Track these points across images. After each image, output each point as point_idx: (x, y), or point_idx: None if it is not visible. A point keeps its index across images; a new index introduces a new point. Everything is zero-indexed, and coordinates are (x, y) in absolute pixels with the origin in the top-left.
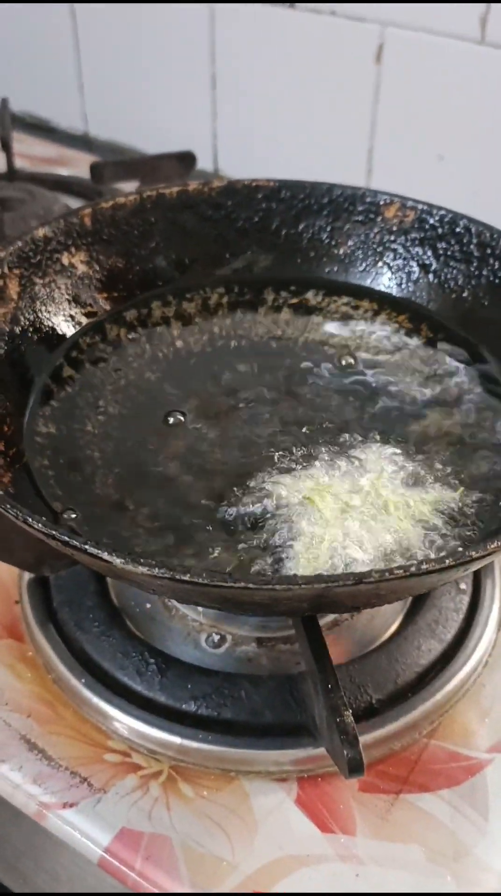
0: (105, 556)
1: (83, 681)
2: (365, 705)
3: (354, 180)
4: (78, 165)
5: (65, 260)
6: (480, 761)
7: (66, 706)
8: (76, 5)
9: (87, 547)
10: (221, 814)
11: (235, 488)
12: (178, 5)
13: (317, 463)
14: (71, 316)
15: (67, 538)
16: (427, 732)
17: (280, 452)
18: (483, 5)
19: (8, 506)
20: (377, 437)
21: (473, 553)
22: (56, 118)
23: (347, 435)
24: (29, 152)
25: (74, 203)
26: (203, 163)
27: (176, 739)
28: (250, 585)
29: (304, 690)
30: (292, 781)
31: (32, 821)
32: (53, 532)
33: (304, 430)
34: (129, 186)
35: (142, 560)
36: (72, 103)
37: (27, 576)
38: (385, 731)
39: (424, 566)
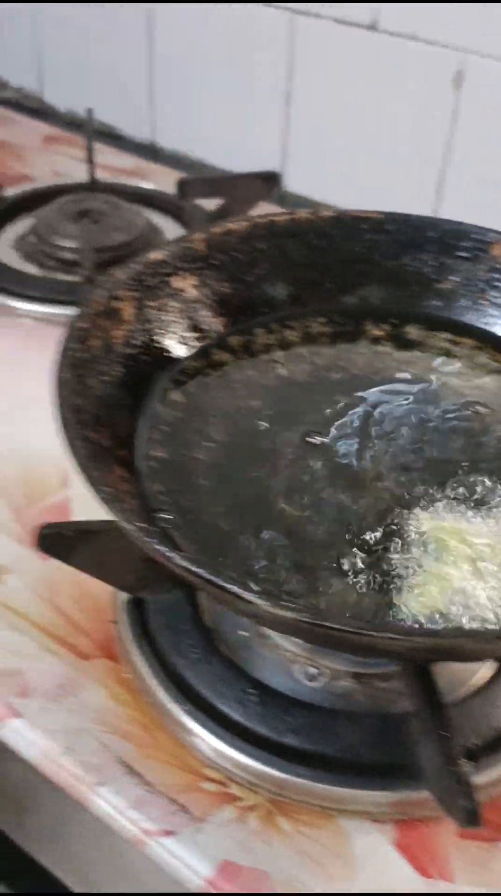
0: (248, 597)
1: (183, 707)
2: (462, 750)
3: (424, 207)
4: (154, 177)
5: (176, 284)
6: None
7: (162, 731)
8: (155, 11)
9: (230, 587)
10: (320, 852)
11: (351, 523)
12: (259, 20)
13: (445, 503)
14: (181, 339)
15: (211, 578)
16: None
17: (405, 491)
18: None
19: (153, 542)
20: None
21: None
22: (125, 127)
23: (477, 477)
24: (106, 162)
25: (155, 216)
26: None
27: (275, 772)
28: (393, 636)
29: (405, 731)
30: (389, 823)
31: (130, 845)
32: (198, 571)
33: (425, 468)
34: (211, 204)
35: (285, 604)
36: (141, 113)
37: (122, 595)
38: (486, 778)
39: None
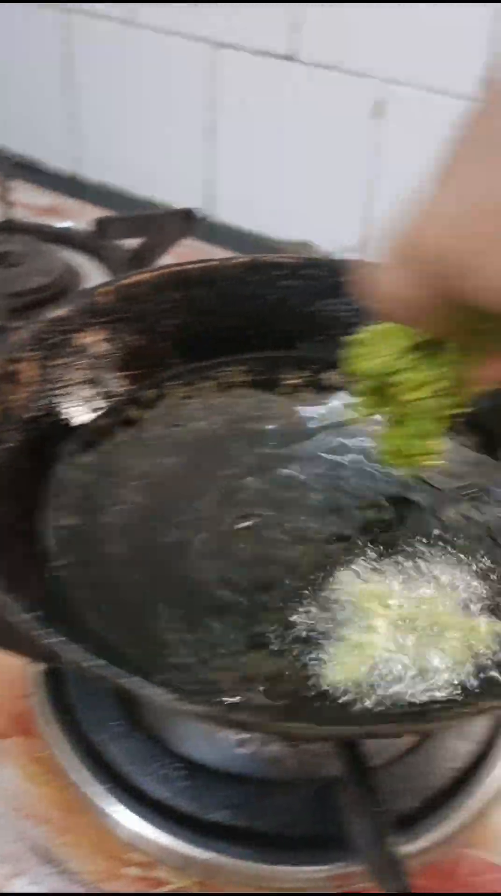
0: (148, 691)
1: (103, 786)
2: (397, 815)
3: (351, 233)
4: (72, 215)
5: (82, 340)
6: None
7: (82, 812)
8: (74, 46)
9: (129, 685)
10: None
11: (271, 588)
12: (177, 52)
13: (371, 565)
14: (88, 398)
15: (107, 675)
16: (464, 841)
17: (329, 551)
18: (482, 65)
19: (42, 635)
20: (441, 544)
21: None
22: (46, 158)
23: (406, 536)
24: (24, 201)
25: (76, 258)
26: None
27: (203, 853)
28: (312, 730)
29: (336, 800)
30: None
31: None
32: (104, 674)
33: (345, 527)
34: (132, 242)
35: (191, 700)
36: (64, 145)
37: (39, 666)
38: (421, 844)
39: (493, 704)
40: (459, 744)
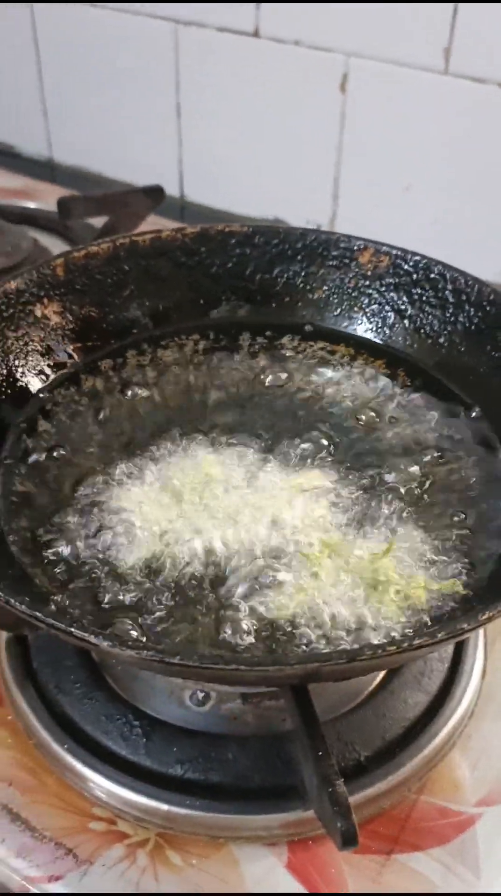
0: (91, 639)
1: (65, 746)
2: (353, 763)
3: (320, 209)
4: (44, 197)
5: (38, 311)
6: (470, 816)
7: (48, 773)
8: (38, 29)
9: (72, 630)
10: (211, 882)
11: (217, 537)
12: (142, 32)
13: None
14: (44, 368)
15: (51, 621)
16: (416, 788)
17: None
18: (445, 37)
19: None
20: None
21: (465, 625)
22: (20, 144)
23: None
24: None
25: (42, 237)
26: (170, 189)
27: (163, 806)
28: (242, 668)
29: (292, 752)
30: (281, 845)
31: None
32: (36, 615)
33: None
34: (97, 222)
35: (129, 643)
36: (36, 128)
37: (4, 634)
38: (375, 790)
39: (417, 641)
40: (411, 695)
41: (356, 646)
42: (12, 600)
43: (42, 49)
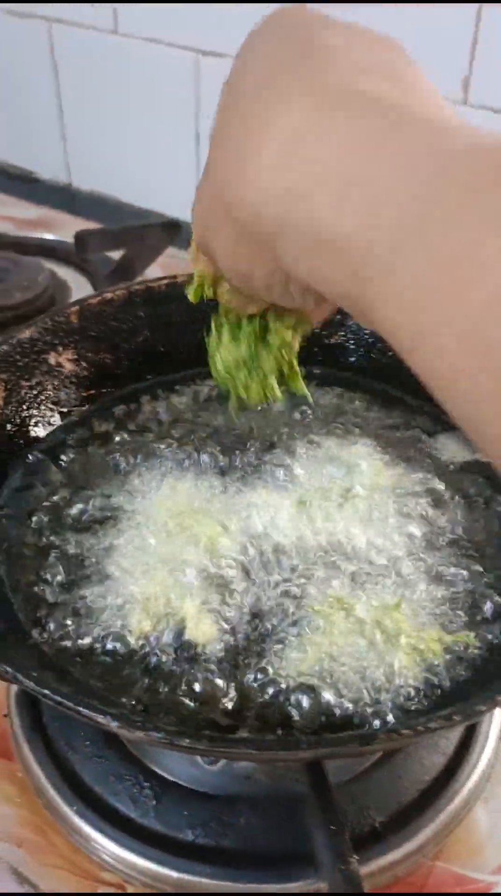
0: (100, 719)
1: (74, 808)
2: (368, 829)
3: None
4: (62, 228)
5: (52, 359)
6: (487, 884)
7: (57, 833)
8: (57, 54)
9: (80, 709)
10: None
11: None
12: (164, 60)
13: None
14: (56, 416)
15: (59, 699)
16: (432, 855)
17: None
18: (465, 66)
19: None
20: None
21: (481, 707)
22: (39, 169)
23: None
24: (10, 214)
25: (59, 270)
26: (188, 216)
27: (173, 873)
28: (252, 752)
29: (304, 817)
30: None
31: None
32: (45, 692)
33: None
34: (114, 255)
35: (138, 724)
36: (55, 154)
37: (15, 686)
38: (390, 858)
39: (431, 724)
40: (427, 756)
41: (369, 709)
42: (19, 675)
43: (62, 76)
